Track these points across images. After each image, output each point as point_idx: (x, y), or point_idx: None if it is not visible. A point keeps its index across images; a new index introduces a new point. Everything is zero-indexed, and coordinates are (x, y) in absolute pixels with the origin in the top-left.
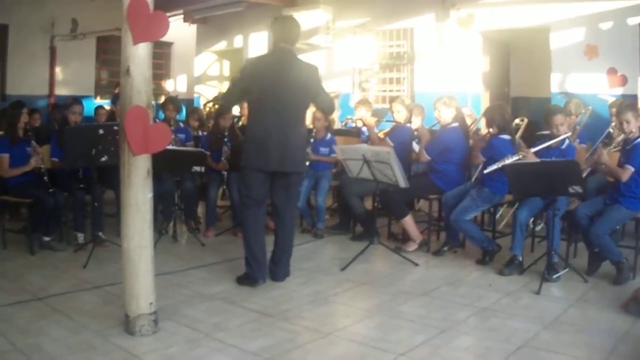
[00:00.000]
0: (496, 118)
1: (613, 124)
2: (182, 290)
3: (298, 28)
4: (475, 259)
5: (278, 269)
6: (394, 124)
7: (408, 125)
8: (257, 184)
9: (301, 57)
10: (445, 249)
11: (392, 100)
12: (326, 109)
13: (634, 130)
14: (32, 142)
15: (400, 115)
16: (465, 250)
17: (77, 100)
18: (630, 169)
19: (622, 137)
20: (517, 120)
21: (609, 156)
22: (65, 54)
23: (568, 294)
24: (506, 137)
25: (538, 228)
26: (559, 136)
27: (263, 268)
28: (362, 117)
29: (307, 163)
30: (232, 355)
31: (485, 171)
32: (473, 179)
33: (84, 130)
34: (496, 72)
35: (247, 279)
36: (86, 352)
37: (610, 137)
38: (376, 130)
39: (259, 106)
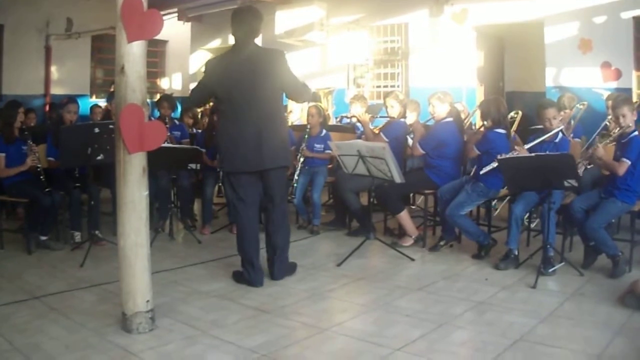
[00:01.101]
0: (491, 111)
1: (609, 116)
2: (178, 288)
3: (257, 19)
4: (471, 254)
5: (274, 267)
6: (388, 119)
7: (402, 120)
8: (244, 185)
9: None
10: (442, 243)
11: (386, 95)
12: (296, 97)
13: (630, 123)
14: (29, 141)
15: (393, 110)
16: (461, 245)
17: (72, 99)
18: (627, 163)
19: (618, 130)
20: (511, 114)
21: (605, 150)
22: (61, 53)
23: (564, 287)
24: (501, 131)
25: (533, 225)
26: (552, 130)
27: (259, 272)
28: (356, 114)
29: (302, 159)
30: (229, 352)
31: (482, 172)
32: (471, 174)
33: (80, 129)
34: (490, 67)
35: (244, 280)
36: (84, 351)
37: (607, 129)
38: (371, 126)
39: (227, 106)
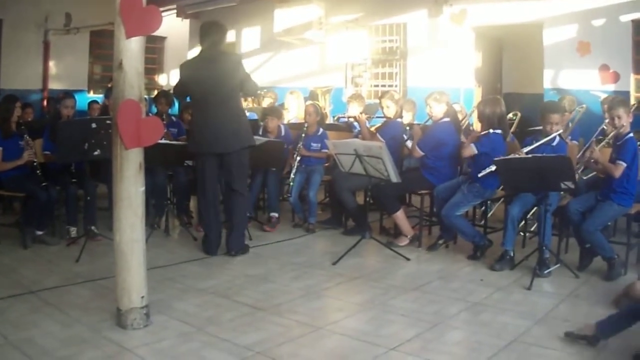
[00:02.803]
0: (486, 111)
1: (607, 120)
2: (174, 284)
3: (220, 32)
4: (466, 254)
5: (228, 243)
6: (384, 119)
7: (399, 120)
8: (207, 168)
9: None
10: (440, 242)
11: (382, 95)
12: (248, 93)
13: (625, 124)
14: (25, 135)
15: (389, 110)
16: (457, 245)
17: (69, 94)
18: (623, 165)
19: (613, 132)
20: (510, 115)
21: (601, 153)
22: (59, 49)
23: (559, 289)
24: (498, 132)
25: (532, 229)
26: (551, 134)
27: (213, 244)
28: (353, 115)
29: (298, 158)
30: (223, 350)
31: (480, 175)
32: (464, 169)
33: (77, 124)
34: (489, 68)
35: (203, 247)
36: (78, 346)
37: (604, 133)
38: (368, 126)
39: (195, 99)
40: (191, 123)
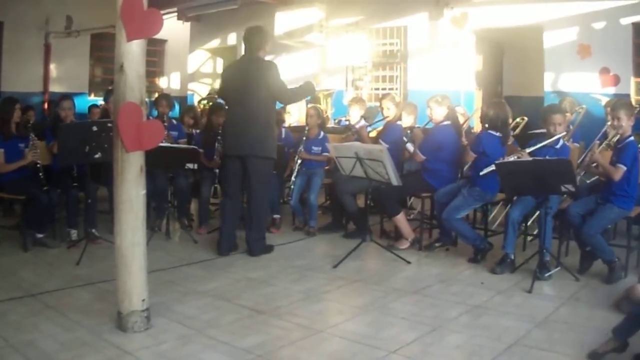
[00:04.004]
0: (489, 114)
1: (609, 123)
2: (174, 287)
3: (258, 38)
4: (467, 257)
5: (248, 245)
6: (384, 122)
7: (399, 123)
8: (227, 170)
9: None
10: (437, 245)
11: (382, 97)
12: (283, 102)
13: (624, 124)
14: (31, 134)
15: (389, 112)
16: (457, 249)
17: (66, 96)
18: (622, 168)
19: (613, 135)
20: (517, 119)
21: (602, 155)
22: (60, 51)
23: (560, 292)
24: (495, 134)
25: (535, 233)
26: (554, 135)
27: (223, 244)
28: (355, 126)
29: (299, 161)
30: (224, 352)
31: (481, 173)
32: (463, 171)
33: (78, 127)
34: (489, 71)
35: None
36: (79, 349)
37: (606, 136)
38: (369, 129)
39: (227, 102)
40: (224, 121)
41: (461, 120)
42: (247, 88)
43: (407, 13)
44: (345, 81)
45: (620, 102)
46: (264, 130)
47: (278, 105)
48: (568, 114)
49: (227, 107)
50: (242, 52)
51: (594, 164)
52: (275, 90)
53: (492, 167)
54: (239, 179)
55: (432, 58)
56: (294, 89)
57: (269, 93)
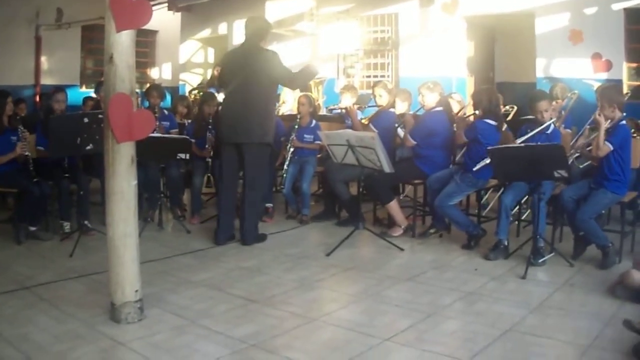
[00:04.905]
0: (483, 100)
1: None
2: (167, 278)
3: (259, 27)
4: (460, 244)
5: (241, 234)
6: (377, 108)
7: (391, 110)
8: (223, 158)
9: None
10: (431, 231)
11: (375, 85)
12: (289, 86)
13: (606, 113)
14: (20, 127)
15: (382, 99)
16: (451, 235)
17: (60, 88)
18: (609, 147)
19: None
20: (507, 107)
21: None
22: (51, 44)
23: (554, 278)
24: (491, 121)
25: (524, 216)
26: (543, 122)
27: (220, 233)
28: (344, 107)
29: (291, 149)
30: (217, 342)
31: (475, 168)
32: (457, 158)
33: (69, 118)
34: (481, 57)
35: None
36: (73, 341)
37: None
38: (361, 116)
39: (227, 88)
40: (221, 107)
41: (457, 108)
42: (247, 76)
43: (398, 0)
44: (337, 69)
45: (603, 90)
46: (264, 117)
47: None
48: (560, 100)
49: (225, 95)
50: (241, 41)
51: (589, 148)
52: (280, 78)
53: (486, 161)
54: (236, 168)
55: (423, 45)
56: (297, 73)
57: (270, 81)
